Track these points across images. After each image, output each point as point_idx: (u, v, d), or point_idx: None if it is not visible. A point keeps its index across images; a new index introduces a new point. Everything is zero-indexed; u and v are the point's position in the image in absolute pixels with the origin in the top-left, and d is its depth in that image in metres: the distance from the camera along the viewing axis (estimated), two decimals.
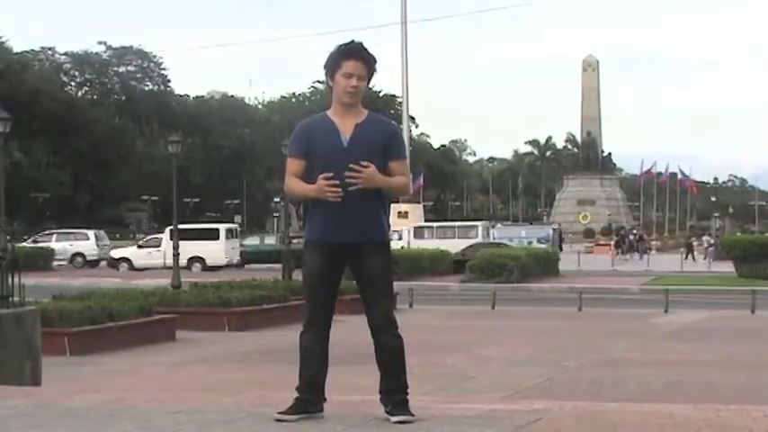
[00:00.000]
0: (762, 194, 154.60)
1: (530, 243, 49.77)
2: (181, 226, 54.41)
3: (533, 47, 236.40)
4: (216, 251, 48.24)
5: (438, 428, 5.87)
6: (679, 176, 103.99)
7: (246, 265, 49.74)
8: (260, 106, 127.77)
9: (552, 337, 19.71)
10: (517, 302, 30.17)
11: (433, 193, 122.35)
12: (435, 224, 59.57)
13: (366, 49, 6.15)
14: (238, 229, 55.46)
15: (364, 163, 5.95)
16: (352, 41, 6.17)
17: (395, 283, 6.39)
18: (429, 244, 49.28)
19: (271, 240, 55.49)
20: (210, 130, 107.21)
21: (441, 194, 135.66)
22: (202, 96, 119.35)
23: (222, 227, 51.28)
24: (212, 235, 49.39)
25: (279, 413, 6.09)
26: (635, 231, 75.63)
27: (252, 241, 56.30)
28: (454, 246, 48.80)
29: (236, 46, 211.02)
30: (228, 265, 48.64)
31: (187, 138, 77.90)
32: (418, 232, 53.61)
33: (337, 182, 5.93)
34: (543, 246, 50.03)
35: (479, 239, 51.90)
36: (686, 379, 13.59)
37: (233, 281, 26.07)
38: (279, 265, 49.18)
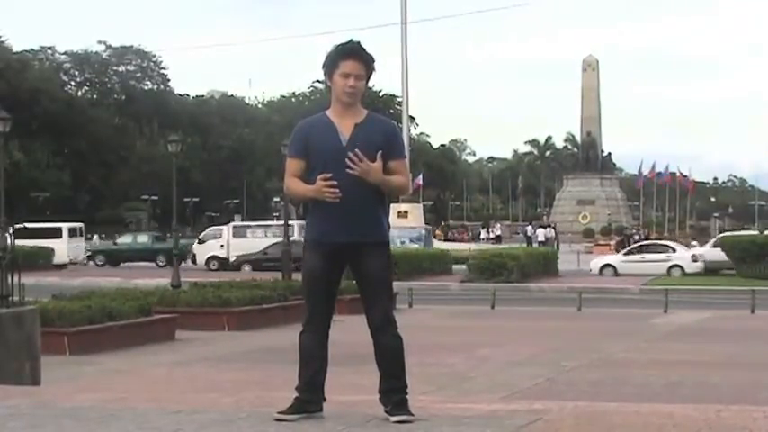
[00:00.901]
0: (761, 194, 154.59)
1: (402, 243, 50.03)
2: (26, 225, 55.77)
3: (533, 47, 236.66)
4: (58, 250, 49.85)
5: (438, 428, 5.86)
6: (677, 176, 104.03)
7: (121, 264, 53.20)
8: (260, 106, 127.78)
9: (552, 337, 19.69)
10: (517, 302, 30.16)
11: (432, 192, 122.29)
12: (253, 223, 61.59)
13: (364, 49, 6.14)
14: (83, 228, 57.77)
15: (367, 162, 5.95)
16: (350, 41, 6.16)
17: (395, 283, 6.39)
18: (248, 243, 51.16)
19: (143, 239, 58.26)
20: (210, 130, 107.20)
21: (440, 194, 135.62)
22: (202, 96, 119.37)
23: (65, 226, 53.19)
24: (55, 234, 51.17)
25: (278, 413, 6.09)
26: (639, 231, 75.48)
27: (125, 240, 59.08)
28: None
29: (236, 46, 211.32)
30: (73, 263, 51.18)
31: (187, 138, 77.93)
32: (238, 231, 55.05)
33: (336, 182, 5.93)
34: (416, 245, 50.30)
35: (295, 238, 53.24)
36: (686, 379, 13.57)
37: (233, 281, 26.06)
38: (150, 264, 53.20)
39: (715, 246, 48.04)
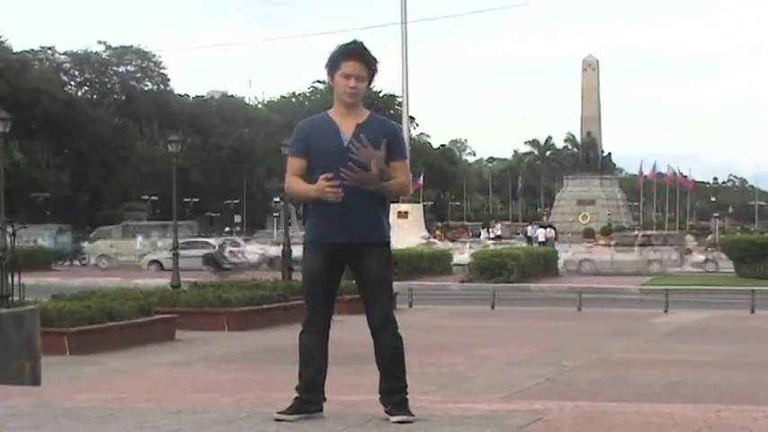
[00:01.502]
0: (762, 194, 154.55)
1: None
2: None
3: (533, 47, 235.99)
4: None
5: (438, 428, 5.86)
6: (677, 176, 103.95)
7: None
8: (260, 106, 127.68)
9: (552, 337, 19.71)
10: (517, 302, 30.19)
11: (432, 193, 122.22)
12: (144, 223, 63.34)
13: (366, 50, 6.12)
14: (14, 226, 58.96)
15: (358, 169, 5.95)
16: (353, 41, 6.15)
17: (395, 283, 6.39)
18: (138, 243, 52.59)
19: (64, 239, 58.93)
20: (210, 130, 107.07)
21: (441, 194, 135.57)
22: (202, 96, 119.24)
23: None
24: None
25: (278, 413, 6.08)
26: (640, 231, 75.51)
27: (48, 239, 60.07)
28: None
29: (236, 46, 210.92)
30: None
31: (187, 138, 77.84)
32: (126, 230, 55.67)
33: (338, 182, 5.93)
34: None
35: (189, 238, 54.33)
36: (686, 379, 13.58)
37: (233, 281, 26.07)
38: (75, 262, 53.93)
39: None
